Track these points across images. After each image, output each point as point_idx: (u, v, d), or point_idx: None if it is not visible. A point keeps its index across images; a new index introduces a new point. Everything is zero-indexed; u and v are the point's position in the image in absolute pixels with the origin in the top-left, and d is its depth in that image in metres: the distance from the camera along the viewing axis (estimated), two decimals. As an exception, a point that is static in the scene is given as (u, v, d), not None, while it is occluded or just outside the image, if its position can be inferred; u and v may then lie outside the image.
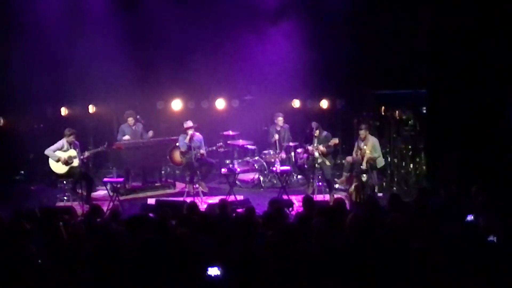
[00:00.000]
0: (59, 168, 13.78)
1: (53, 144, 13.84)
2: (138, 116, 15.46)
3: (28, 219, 8.82)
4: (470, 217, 8.75)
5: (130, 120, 15.28)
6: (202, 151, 14.68)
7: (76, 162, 13.76)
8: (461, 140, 13.20)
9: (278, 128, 15.90)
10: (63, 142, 13.79)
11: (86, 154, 14.08)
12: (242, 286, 6.54)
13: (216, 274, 6.51)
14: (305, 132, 14.88)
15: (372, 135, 14.41)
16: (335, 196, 13.70)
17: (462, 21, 13.03)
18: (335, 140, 13.99)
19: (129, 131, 15.29)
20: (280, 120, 15.92)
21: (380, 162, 14.14)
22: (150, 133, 15.33)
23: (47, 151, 13.75)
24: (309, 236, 7.78)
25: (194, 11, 16.74)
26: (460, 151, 13.15)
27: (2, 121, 15.26)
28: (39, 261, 7.06)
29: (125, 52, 16.08)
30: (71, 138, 13.81)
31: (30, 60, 14.86)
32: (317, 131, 14.21)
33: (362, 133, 14.05)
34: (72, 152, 13.77)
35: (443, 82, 13.65)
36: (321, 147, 14.00)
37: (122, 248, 7.38)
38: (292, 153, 15.75)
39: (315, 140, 14.15)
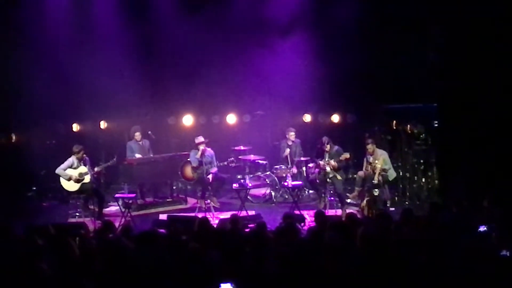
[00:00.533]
0: (70, 185, 13.79)
1: (64, 160, 13.86)
2: (149, 132, 15.49)
3: (41, 235, 8.83)
4: (482, 228, 8.70)
5: (137, 135, 15.28)
6: (211, 174, 14.66)
7: (87, 179, 13.78)
8: (473, 154, 13.15)
9: (290, 143, 15.87)
10: (72, 159, 13.80)
11: (97, 169, 14.11)
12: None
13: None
14: (316, 146, 14.86)
15: (383, 149, 14.42)
16: (347, 211, 13.70)
17: (472, 35, 13.04)
18: (346, 155, 13.99)
19: (136, 148, 15.28)
20: (292, 134, 15.89)
21: (392, 175, 14.13)
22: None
23: (58, 170, 13.76)
24: (321, 251, 7.76)
25: (204, 27, 16.80)
26: (471, 164, 13.11)
27: (14, 137, 15.31)
28: (51, 276, 7.07)
29: (136, 68, 16.23)
30: (80, 155, 13.83)
31: (42, 77, 14.95)
32: (328, 146, 14.20)
33: (369, 147, 14.07)
34: (83, 169, 13.80)
35: (454, 96, 13.64)
36: (333, 162, 13.98)
37: (134, 264, 7.36)
38: (304, 168, 15.71)
39: (326, 155, 14.14)
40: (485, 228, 8.64)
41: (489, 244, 7.96)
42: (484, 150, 13.00)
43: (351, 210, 13.78)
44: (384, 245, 7.64)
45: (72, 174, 13.72)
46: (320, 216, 10.32)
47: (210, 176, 14.63)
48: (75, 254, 7.68)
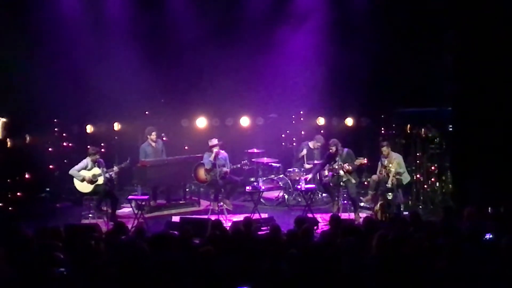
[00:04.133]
0: (84, 187, 13.79)
1: (78, 161, 13.90)
2: (162, 134, 15.48)
3: (54, 237, 8.85)
4: (488, 235, 8.64)
5: (153, 135, 15.19)
6: (226, 169, 14.66)
7: (101, 180, 13.78)
8: (488, 158, 13.07)
9: (313, 147, 15.87)
10: (87, 161, 13.84)
11: (116, 169, 14.11)
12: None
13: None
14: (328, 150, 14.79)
15: (398, 153, 14.36)
16: (361, 214, 13.66)
17: (488, 39, 12.99)
18: (363, 161, 13.90)
19: (150, 150, 15.20)
20: (318, 145, 15.89)
21: (406, 178, 14.05)
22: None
23: (72, 171, 13.78)
24: (335, 255, 7.73)
25: (218, 28, 16.83)
26: (486, 169, 13.03)
27: (28, 138, 15.33)
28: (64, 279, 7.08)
29: (150, 70, 16.21)
30: (96, 157, 13.86)
31: (56, 79, 14.96)
32: (334, 148, 14.07)
33: (384, 149, 14.01)
34: (96, 170, 13.80)
35: (469, 100, 13.57)
36: (347, 166, 13.89)
37: (147, 266, 7.34)
38: (317, 171, 15.64)
39: (339, 158, 14.05)
40: (491, 236, 8.58)
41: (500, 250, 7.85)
42: (499, 154, 12.93)
43: (364, 214, 13.75)
44: (400, 250, 7.61)
45: (85, 175, 13.73)
46: (334, 220, 10.27)
47: (227, 170, 14.68)
48: (91, 255, 7.70)
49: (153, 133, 15.19)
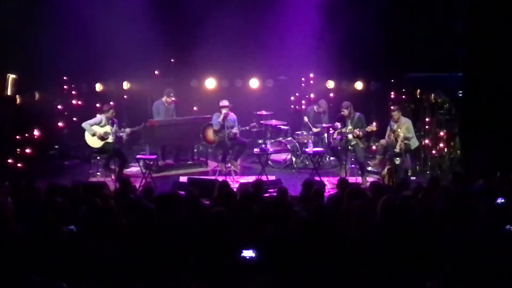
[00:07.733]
0: (94, 142, 13.84)
1: (87, 119, 13.92)
2: (171, 93, 15.48)
3: (62, 193, 8.88)
4: (500, 200, 8.65)
5: (168, 99, 15.24)
6: (235, 130, 14.67)
7: (111, 139, 13.82)
8: (497, 125, 13.03)
9: (316, 111, 15.90)
10: (101, 117, 13.88)
11: (128, 131, 14.12)
12: (276, 268, 6.49)
13: (250, 256, 6.46)
14: (338, 113, 14.77)
15: (407, 118, 14.32)
16: (368, 179, 13.68)
17: (499, 4, 12.87)
18: (373, 127, 13.88)
19: (162, 109, 15.26)
20: (322, 102, 15.97)
21: (414, 143, 14.05)
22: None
23: (84, 124, 13.81)
24: (342, 218, 7.77)
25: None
26: (495, 135, 13.00)
27: (37, 95, 15.34)
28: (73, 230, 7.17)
29: (160, 30, 16.15)
30: (109, 114, 13.89)
31: (66, 36, 14.89)
32: (346, 111, 14.06)
33: (395, 114, 13.96)
34: (108, 128, 13.83)
35: (480, 65, 13.46)
36: (357, 131, 13.86)
37: (155, 225, 7.37)
38: (325, 135, 15.65)
39: (349, 122, 14.03)
40: (503, 200, 8.60)
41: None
42: (508, 121, 12.88)
43: (371, 178, 13.78)
44: (405, 214, 7.62)
45: (97, 131, 13.77)
46: (342, 183, 10.28)
47: (236, 131, 14.72)
48: (100, 212, 7.75)
49: (170, 98, 15.19)
